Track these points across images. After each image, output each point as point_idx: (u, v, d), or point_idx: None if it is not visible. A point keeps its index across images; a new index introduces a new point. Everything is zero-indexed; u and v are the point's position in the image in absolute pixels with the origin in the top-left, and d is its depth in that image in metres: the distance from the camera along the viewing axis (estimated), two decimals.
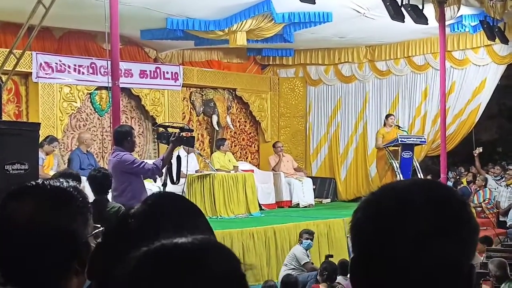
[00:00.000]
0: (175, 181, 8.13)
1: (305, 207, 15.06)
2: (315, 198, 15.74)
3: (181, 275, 1.12)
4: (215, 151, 14.66)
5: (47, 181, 1.81)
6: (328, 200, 16.72)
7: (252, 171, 15.01)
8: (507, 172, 15.81)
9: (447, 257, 1.31)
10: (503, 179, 15.59)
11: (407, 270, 1.30)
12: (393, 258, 1.31)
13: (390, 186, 1.42)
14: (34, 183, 1.83)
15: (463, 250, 1.34)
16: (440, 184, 1.43)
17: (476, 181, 16.32)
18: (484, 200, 15.18)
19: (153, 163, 8.09)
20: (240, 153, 16.95)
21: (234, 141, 16.77)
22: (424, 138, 15.02)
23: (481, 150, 16.25)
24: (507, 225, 13.99)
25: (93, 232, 1.79)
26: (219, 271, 1.15)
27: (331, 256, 9.94)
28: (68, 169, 8.58)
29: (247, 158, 17.07)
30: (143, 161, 8.29)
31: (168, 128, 8.35)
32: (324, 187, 16.82)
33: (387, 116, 15.19)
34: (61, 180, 1.82)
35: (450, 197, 1.37)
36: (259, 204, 13.74)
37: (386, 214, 1.34)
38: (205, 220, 1.60)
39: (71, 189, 1.79)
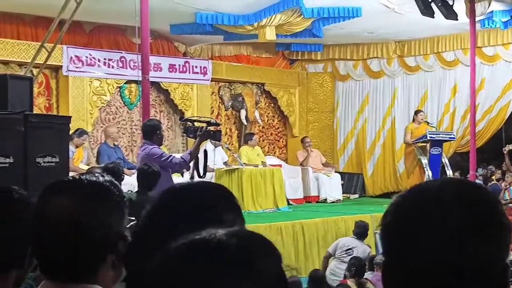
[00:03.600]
0: (201, 175, 8.17)
1: (333, 202, 15.05)
2: (343, 193, 15.72)
3: (221, 272, 1.11)
4: (243, 146, 14.70)
5: (84, 176, 1.85)
6: (356, 195, 16.67)
7: (280, 165, 15.03)
8: None
9: (479, 257, 1.29)
10: None
11: (438, 272, 1.29)
12: (425, 260, 1.30)
13: (419, 187, 1.41)
14: (71, 177, 1.88)
15: (495, 250, 1.32)
16: (470, 183, 1.42)
17: (506, 178, 16.18)
18: None
19: (181, 157, 8.14)
20: (268, 147, 16.96)
21: (262, 135, 16.78)
22: (454, 135, 14.93)
23: (511, 147, 16.09)
24: None
25: (128, 225, 1.82)
26: (261, 269, 1.14)
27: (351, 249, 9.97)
28: (114, 164, 8.65)
29: (275, 153, 17.08)
30: (171, 155, 8.34)
31: (195, 123, 8.39)
32: (352, 182, 16.78)
33: (417, 112, 15.12)
34: (96, 174, 1.85)
35: (482, 196, 1.36)
36: (287, 199, 13.76)
37: (417, 215, 1.33)
38: (236, 211, 1.59)
39: (108, 183, 1.82)
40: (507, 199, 15.06)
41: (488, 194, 1.38)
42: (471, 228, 1.30)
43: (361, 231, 10.34)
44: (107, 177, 1.85)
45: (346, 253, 9.98)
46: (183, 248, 1.16)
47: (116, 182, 1.86)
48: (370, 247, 10.26)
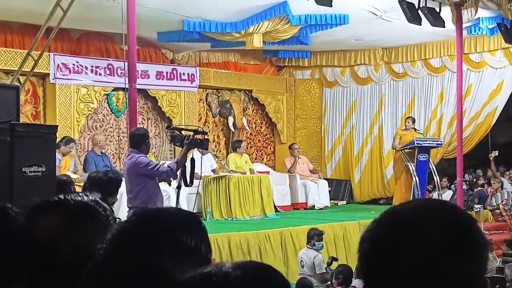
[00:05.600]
0: (188, 183, 8.18)
1: (321, 209, 15.06)
2: (330, 200, 15.73)
3: None
4: (231, 153, 14.70)
5: (70, 196, 1.84)
6: (344, 202, 16.70)
7: (268, 172, 15.04)
8: None
9: (459, 276, 1.31)
10: None
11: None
12: (403, 283, 1.31)
13: (393, 210, 1.42)
14: (57, 198, 1.87)
15: (474, 267, 1.34)
16: (444, 203, 1.43)
17: (492, 184, 16.26)
18: (502, 201, 15.12)
19: (168, 165, 8.13)
20: (256, 154, 16.97)
21: (250, 142, 16.79)
22: (441, 141, 14.97)
23: (497, 154, 16.18)
24: None
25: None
26: None
27: (336, 259, 9.91)
28: (112, 171, 8.60)
29: (262, 159, 17.09)
30: (158, 164, 8.34)
31: (182, 131, 8.39)
32: (340, 189, 16.80)
33: (407, 118, 15.15)
34: (82, 194, 1.85)
35: (458, 216, 1.37)
36: (275, 206, 13.76)
37: (393, 239, 1.34)
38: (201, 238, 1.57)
39: (93, 204, 1.83)
40: (494, 205, 15.15)
41: (463, 214, 1.40)
42: (449, 248, 1.31)
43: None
44: (92, 197, 1.85)
45: (300, 265, 10.01)
46: (192, 281, 1.22)
47: (101, 202, 1.86)
48: (318, 253, 10.13)
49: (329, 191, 15.73)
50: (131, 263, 1.43)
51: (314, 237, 10.17)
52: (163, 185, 8.94)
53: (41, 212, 1.80)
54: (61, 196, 1.88)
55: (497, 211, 15.11)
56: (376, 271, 1.35)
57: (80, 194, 1.85)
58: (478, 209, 14.95)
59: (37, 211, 1.81)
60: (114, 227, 1.54)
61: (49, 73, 12.55)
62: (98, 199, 1.87)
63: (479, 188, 16.37)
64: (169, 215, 1.57)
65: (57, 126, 8.34)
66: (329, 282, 9.01)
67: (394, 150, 15.04)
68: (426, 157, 14.74)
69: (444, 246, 1.31)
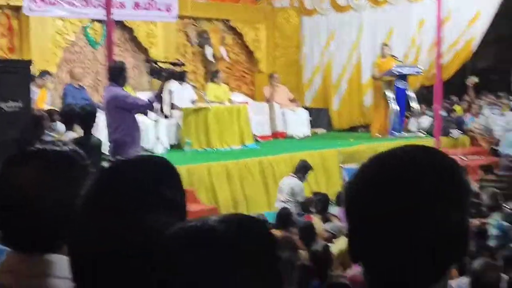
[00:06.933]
0: (167, 116, 8.22)
1: (301, 138, 15.15)
2: (310, 128, 15.80)
3: (210, 257, 1.20)
4: (209, 83, 14.65)
5: (47, 147, 1.84)
6: (323, 130, 16.75)
7: (247, 102, 15.03)
8: (500, 100, 15.84)
9: (444, 223, 1.32)
10: (498, 108, 15.60)
11: (407, 237, 1.31)
12: (389, 229, 1.32)
13: (380, 156, 1.41)
14: (34, 149, 1.86)
15: (459, 215, 1.35)
16: (432, 151, 1.43)
17: (471, 109, 16.39)
18: (476, 126, 15.28)
19: (147, 99, 8.13)
20: (235, 84, 16.91)
21: (229, 72, 16.71)
22: (420, 68, 14.99)
23: (476, 80, 16.25)
24: (500, 154, 14.05)
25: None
26: (248, 250, 1.23)
27: (318, 192, 10.07)
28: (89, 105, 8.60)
29: (241, 89, 17.04)
30: (136, 97, 8.34)
31: (160, 64, 8.37)
32: (319, 117, 16.81)
33: (382, 45, 15.13)
34: (60, 143, 1.84)
35: (444, 161, 1.39)
36: (254, 136, 13.80)
37: (380, 185, 1.35)
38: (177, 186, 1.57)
39: (71, 154, 1.83)
40: (470, 127, 15.33)
41: (448, 159, 1.40)
42: (436, 196, 1.33)
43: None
44: (71, 146, 1.85)
45: (281, 193, 10.11)
46: (178, 235, 1.24)
47: (81, 152, 1.87)
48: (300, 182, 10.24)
49: (309, 119, 15.79)
50: (110, 218, 1.43)
51: (303, 169, 10.25)
52: (142, 117, 8.93)
53: (19, 163, 1.79)
54: (39, 146, 1.88)
55: (478, 135, 15.26)
56: (362, 216, 1.37)
57: (58, 143, 1.85)
58: (456, 135, 15.10)
59: (15, 162, 1.80)
60: (91, 178, 1.54)
61: (22, 6, 12.31)
62: (77, 149, 1.86)
63: (457, 115, 16.48)
64: (145, 164, 1.56)
65: (31, 60, 8.29)
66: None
67: (373, 78, 15.09)
68: (405, 85, 14.82)
69: (431, 194, 1.32)
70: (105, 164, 1.64)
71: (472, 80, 16.19)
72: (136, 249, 1.40)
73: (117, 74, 8.03)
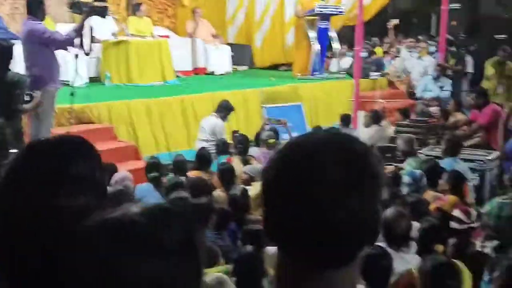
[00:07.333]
0: (87, 51, 8.07)
1: (222, 74, 15.08)
2: (232, 65, 15.73)
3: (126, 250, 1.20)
4: (130, 16, 14.33)
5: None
6: (245, 67, 16.73)
7: (168, 36, 14.79)
8: (419, 44, 16.08)
9: (357, 212, 1.35)
10: (416, 51, 15.82)
11: (317, 222, 1.34)
12: (304, 210, 1.35)
13: (295, 143, 1.44)
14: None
15: (371, 202, 1.39)
16: (344, 136, 1.46)
17: (390, 52, 16.62)
18: (392, 69, 15.52)
19: (66, 33, 7.92)
20: (157, 17, 16.58)
21: (151, 4, 16.36)
22: (342, 8, 15.04)
23: (397, 22, 16.41)
24: (417, 97, 14.33)
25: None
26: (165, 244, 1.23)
27: (237, 131, 10.09)
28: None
29: (164, 22, 16.74)
30: (55, 31, 8.12)
31: None
32: (241, 54, 16.73)
33: None
34: None
35: (356, 150, 1.40)
36: (175, 71, 13.65)
37: (295, 173, 1.37)
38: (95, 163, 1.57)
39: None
40: (387, 70, 15.58)
41: (361, 147, 1.42)
42: (349, 183, 1.35)
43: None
44: None
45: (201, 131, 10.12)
46: (98, 228, 1.24)
47: None
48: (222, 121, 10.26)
49: (232, 56, 15.70)
50: (24, 202, 1.41)
51: (224, 110, 10.22)
52: (62, 52, 8.69)
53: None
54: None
55: (395, 78, 15.52)
56: (275, 200, 1.39)
57: None
58: (375, 77, 15.31)
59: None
60: (5, 165, 1.50)
61: None
62: None
63: (376, 56, 16.70)
64: (60, 144, 1.54)
65: None
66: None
67: (296, 17, 15.05)
68: (327, 25, 14.85)
69: (341, 182, 1.35)
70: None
71: (393, 22, 16.35)
72: (47, 230, 1.39)
73: (35, 7, 7.78)
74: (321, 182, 1.35)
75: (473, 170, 8.40)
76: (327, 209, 1.34)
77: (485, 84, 12.71)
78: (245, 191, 6.77)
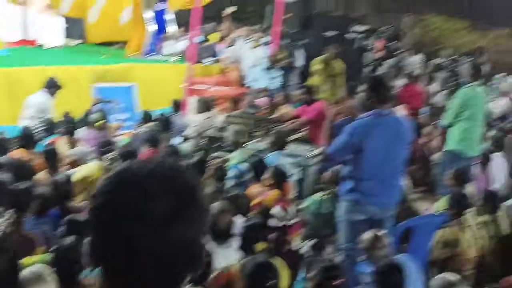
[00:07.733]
0: None
1: (53, 48, 14.58)
2: (65, 38, 15.24)
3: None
4: None
5: None
6: (78, 41, 16.25)
7: None
8: (253, 34, 16.20)
9: (182, 242, 1.42)
10: (250, 40, 15.95)
11: (141, 249, 1.40)
12: (129, 237, 1.40)
13: (127, 170, 1.48)
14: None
15: (195, 233, 1.46)
16: (177, 170, 1.50)
17: (225, 39, 16.68)
18: (226, 57, 15.62)
19: None
20: None
21: None
22: None
23: (234, 9, 16.49)
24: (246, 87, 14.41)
25: None
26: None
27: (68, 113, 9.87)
28: None
29: None
30: None
31: None
32: (74, 27, 16.18)
33: None
34: None
35: (184, 182, 1.47)
36: (3, 42, 13.03)
37: (124, 200, 1.42)
38: None
39: None
40: (219, 57, 15.63)
41: (189, 179, 1.49)
42: (175, 215, 1.41)
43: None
44: None
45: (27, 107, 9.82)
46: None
47: None
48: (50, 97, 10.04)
49: (65, 29, 15.19)
50: None
51: (52, 87, 9.92)
52: None
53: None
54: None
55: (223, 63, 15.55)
56: (103, 223, 1.44)
57: None
58: (208, 63, 15.32)
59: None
60: None
61: None
62: None
63: (212, 42, 16.72)
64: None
65: None
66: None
67: None
68: (165, 7, 14.75)
69: (170, 212, 1.41)
70: None
71: (229, 9, 16.43)
72: None
73: None
74: (144, 214, 1.40)
75: (296, 164, 8.63)
76: (145, 240, 1.39)
77: (312, 80, 13.00)
78: (67, 177, 6.63)
